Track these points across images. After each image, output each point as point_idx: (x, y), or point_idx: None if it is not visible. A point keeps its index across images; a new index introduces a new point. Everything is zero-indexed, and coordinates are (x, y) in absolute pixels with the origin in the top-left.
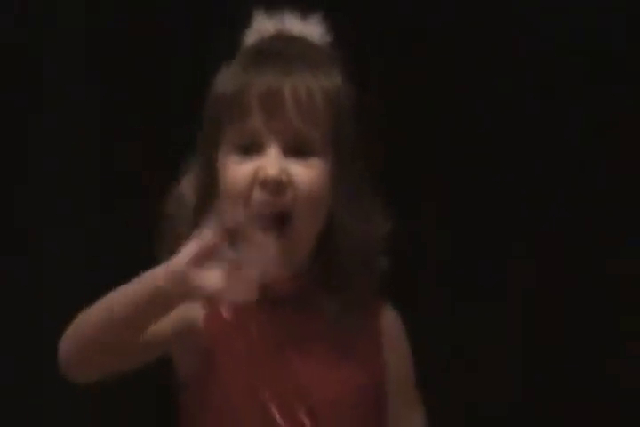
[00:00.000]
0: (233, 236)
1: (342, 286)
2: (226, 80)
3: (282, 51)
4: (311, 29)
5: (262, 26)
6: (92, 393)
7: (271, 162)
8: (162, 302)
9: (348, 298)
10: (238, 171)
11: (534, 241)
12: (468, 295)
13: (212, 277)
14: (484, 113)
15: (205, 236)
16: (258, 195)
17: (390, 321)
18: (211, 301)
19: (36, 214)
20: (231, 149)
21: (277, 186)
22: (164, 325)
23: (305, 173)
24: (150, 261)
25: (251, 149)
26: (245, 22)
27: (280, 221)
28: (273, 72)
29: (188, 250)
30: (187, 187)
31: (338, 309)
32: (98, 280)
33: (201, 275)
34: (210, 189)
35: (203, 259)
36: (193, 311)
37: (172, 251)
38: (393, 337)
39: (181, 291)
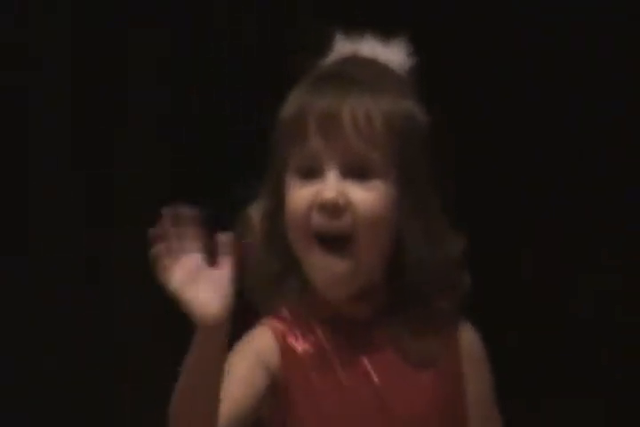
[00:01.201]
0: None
1: (414, 310)
2: (289, 103)
3: (345, 73)
4: (388, 53)
5: (341, 49)
6: None
7: (329, 185)
8: (200, 353)
9: (419, 322)
10: (299, 195)
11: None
12: None
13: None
14: (484, 101)
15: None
16: (316, 218)
17: (470, 340)
18: (283, 339)
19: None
20: (294, 173)
21: (335, 209)
22: (254, 389)
23: (364, 195)
24: None
25: (311, 172)
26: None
27: (341, 243)
28: (332, 94)
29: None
30: (255, 212)
31: (409, 335)
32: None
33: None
34: (276, 214)
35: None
36: (270, 359)
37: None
38: (472, 356)
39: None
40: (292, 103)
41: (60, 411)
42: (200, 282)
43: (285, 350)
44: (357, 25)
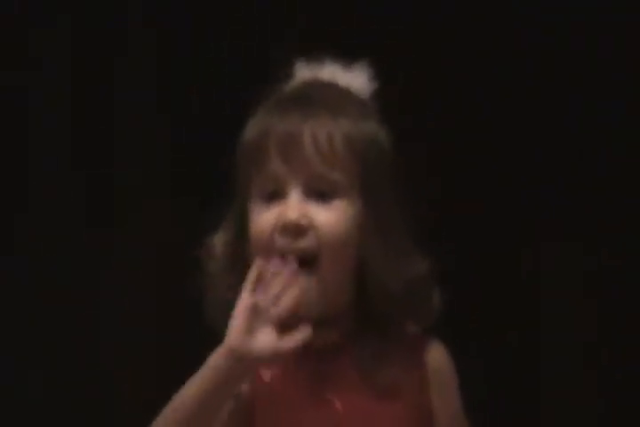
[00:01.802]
0: (262, 283)
1: (380, 336)
2: (250, 127)
3: (306, 96)
4: (349, 77)
5: (301, 74)
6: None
7: (291, 206)
8: (227, 381)
9: (386, 349)
10: (262, 218)
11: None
12: None
13: (266, 339)
14: (484, 101)
15: (245, 300)
16: (280, 240)
17: (437, 357)
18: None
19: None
20: (257, 196)
21: (298, 230)
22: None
23: (326, 215)
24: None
25: (274, 195)
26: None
27: (306, 262)
28: (293, 117)
29: (236, 322)
30: (218, 240)
31: (375, 362)
32: None
33: (255, 343)
34: (240, 239)
35: (252, 324)
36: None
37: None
38: (439, 373)
39: (243, 366)
40: (253, 127)
41: (59, 411)
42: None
43: (254, 380)
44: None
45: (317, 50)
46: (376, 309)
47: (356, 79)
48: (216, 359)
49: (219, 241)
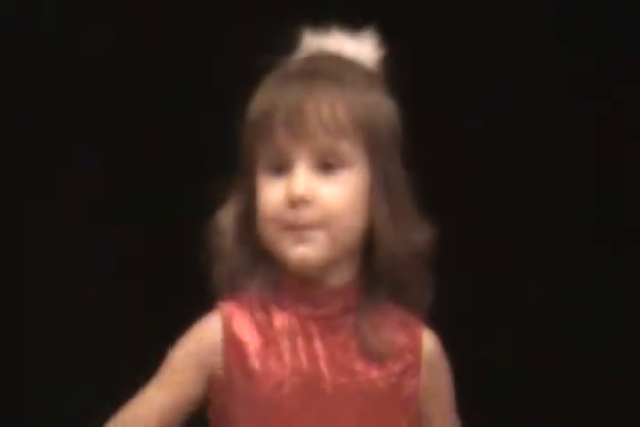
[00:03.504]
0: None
1: (377, 306)
2: (255, 102)
3: (310, 69)
4: (355, 46)
5: (308, 45)
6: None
7: (297, 181)
8: None
9: (385, 320)
10: (270, 191)
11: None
12: None
13: None
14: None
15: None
16: (287, 213)
17: (431, 344)
18: (229, 326)
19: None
20: (264, 170)
21: (303, 203)
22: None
23: (333, 188)
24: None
25: (281, 169)
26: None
27: (312, 232)
28: (296, 90)
29: None
30: (225, 214)
31: (372, 331)
32: None
33: None
34: (248, 211)
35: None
36: (211, 350)
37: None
38: (433, 359)
39: None
40: (258, 102)
41: (60, 411)
42: None
43: (229, 338)
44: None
45: (324, 16)
46: (382, 278)
47: (362, 48)
48: None
49: (226, 216)
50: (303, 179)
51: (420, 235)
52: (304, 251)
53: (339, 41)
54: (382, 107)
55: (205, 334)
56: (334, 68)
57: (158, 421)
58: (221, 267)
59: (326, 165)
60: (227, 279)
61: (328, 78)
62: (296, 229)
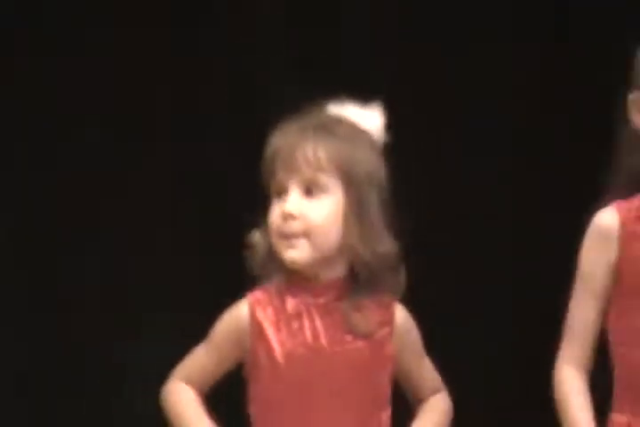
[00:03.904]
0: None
1: (359, 295)
2: (267, 148)
3: (308, 124)
4: (358, 114)
5: (316, 108)
6: None
7: (289, 202)
8: None
9: (365, 303)
10: (273, 211)
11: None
12: None
13: None
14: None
15: None
16: (282, 226)
17: (402, 316)
18: (254, 310)
19: None
20: (273, 196)
21: (292, 218)
22: (222, 359)
23: (314, 208)
24: None
25: (281, 194)
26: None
27: (298, 241)
28: (293, 139)
29: None
30: (256, 233)
31: (356, 312)
32: None
33: None
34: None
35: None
36: (242, 326)
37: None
38: (404, 327)
39: None
40: (269, 148)
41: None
42: None
43: (254, 322)
44: None
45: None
46: (360, 277)
47: (365, 118)
48: None
49: (257, 234)
50: (293, 200)
51: (385, 247)
52: (293, 254)
53: (343, 107)
54: (359, 154)
55: (236, 318)
56: (328, 124)
57: (199, 376)
58: (255, 265)
59: (310, 191)
60: (258, 274)
61: (319, 130)
62: (287, 238)
